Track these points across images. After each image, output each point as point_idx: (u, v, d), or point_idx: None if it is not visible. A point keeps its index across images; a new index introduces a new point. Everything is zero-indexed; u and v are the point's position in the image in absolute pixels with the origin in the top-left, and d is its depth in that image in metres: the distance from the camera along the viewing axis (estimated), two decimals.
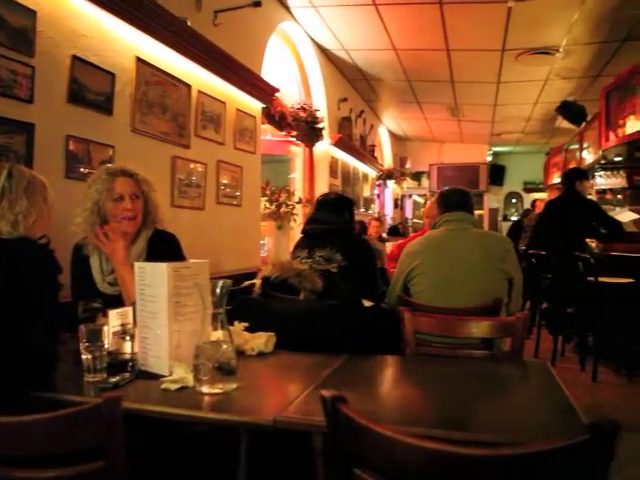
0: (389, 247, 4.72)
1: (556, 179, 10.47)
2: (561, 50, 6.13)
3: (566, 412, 1.15)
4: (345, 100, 7.14)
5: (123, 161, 2.55)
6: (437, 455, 0.76)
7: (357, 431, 0.85)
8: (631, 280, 4.21)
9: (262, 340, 1.74)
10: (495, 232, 2.90)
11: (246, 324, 1.80)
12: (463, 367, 1.62)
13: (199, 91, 3.60)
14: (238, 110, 4.13)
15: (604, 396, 3.84)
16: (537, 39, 5.88)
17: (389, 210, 11.04)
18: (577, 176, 4.98)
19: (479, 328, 1.77)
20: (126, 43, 2.89)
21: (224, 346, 1.37)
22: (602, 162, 7.15)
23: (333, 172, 6.75)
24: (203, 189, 3.68)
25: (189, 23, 3.24)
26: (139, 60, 2.99)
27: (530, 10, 5.10)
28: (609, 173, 7.75)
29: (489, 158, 12.58)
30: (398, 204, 11.84)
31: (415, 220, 12.17)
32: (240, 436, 1.34)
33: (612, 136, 5.91)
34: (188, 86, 3.48)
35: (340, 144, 6.74)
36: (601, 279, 4.20)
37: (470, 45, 6.13)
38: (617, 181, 7.72)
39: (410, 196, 12.74)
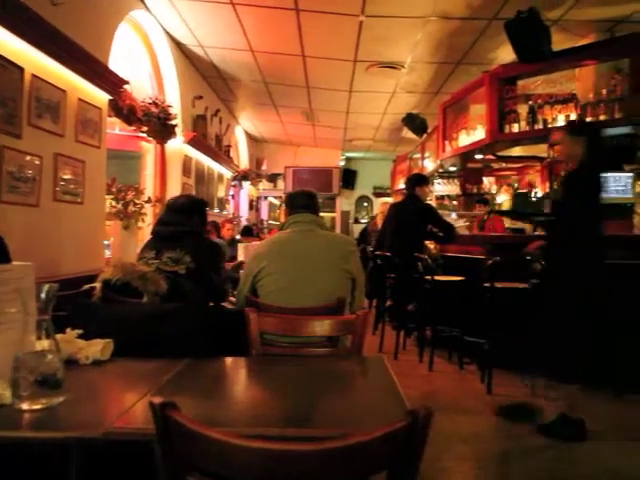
0: (241, 248, 4.69)
1: (401, 184, 11.29)
2: (406, 66, 6.62)
3: (395, 402, 1.22)
4: (200, 98, 6.98)
5: None
6: (266, 454, 0.76)
7: (188, 437, 0.83)
8: (463, 278, 4.68)
9: (98, 347, 1.63)
10: (340, 234, 3.01)
11: (80, 331, 1.66)
12: (307, 365, 1.67)
13: (34, 75, 3.26)
14: (81, 100, 3.83)
15: (439, 384, 4.22)
16: (385, 53, 6.28)
17: (244, 211, 11.02)
18: (417, 181, 5.39)
19: (322, 327, 1.84)
20: None
21: (49, 356, 1.25)
22: (440, 171, 7.87)
23: (186, 171, 6.56)
24: (38, 184, 3.34)
25: None
26: None
27: (379, 26, 5.44)
28: (446, 181, 8.55)
29: (342, 163, 13.15)
30: (254, 205, 11.87)
31: (271, 222, 12.31)
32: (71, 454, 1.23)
33: (448, 147, 6.51)
34: (20, 68, 3.14)
35: (194, 143, 6.57)
36: (437, 278, 4.61)
37: (325, 53, 6.35)
38: (452, 188, 8.56)
39: (266, 198, 12.85)
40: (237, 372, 1.69)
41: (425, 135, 8.51)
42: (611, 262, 4.01)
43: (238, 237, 6.44)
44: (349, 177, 13.97)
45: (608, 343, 3.97)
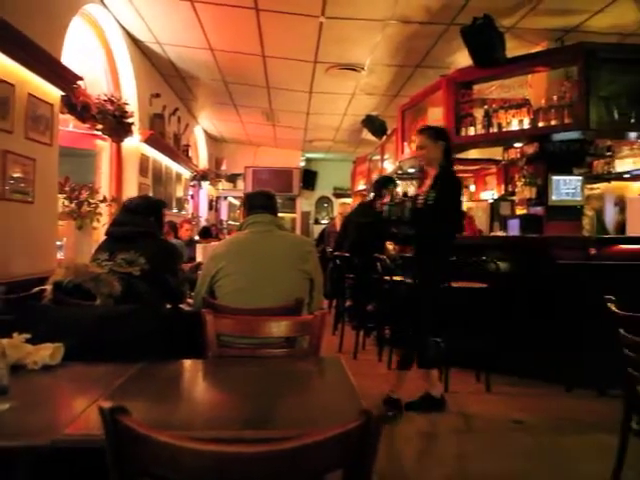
0: (200, 249, 4.63)
1: (361, 186, 11.38)
2: (366, 68, 6.68)
3: (352, 402, 1.23)
4: (158, 96, 6.85)
5: None
6: (219, 457, 0.76)
7: (139, 442, 0.81)
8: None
9: (47, 352, 1.57)
10: (298, 234, 3.03)
11: (28, 335, 1.60)
12: (264, 366, 1.66)
13: None
14: (31, 95, 3.69)
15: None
16: (345, 55, 6.32)
17: (204, 211, 10.88)
18: (384, 183, 5.44)
19: (279, 327, 1.83)
20: None
21: None
22: (399, 172, 7.97)
23: (143, 170, 6.42)
24: None
25: None
26: None
27: (339, 27, 5.47)
28: (405, 182, 8.68)
29: (302, 163, 13.16)
30: (213, 206, 11.74)
31: (230, 222, 12.20)
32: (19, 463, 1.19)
33: (407, 149, 6.60)
34: None
35: (151, 141, 6.44)
36: (396, 278, 4.66)
37: (285, 53, 6.34)
38: (412, 190, 8.67)
39: (225, 198, 12.73)
40: (193, 375, 1.66)
41: (385, 137, 8.60)
42: (561, 262, 4.17)
43: (197, 238, 6.35)
44: (309, 178, 13.99)
45: (555, 341, 4.11)
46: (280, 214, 2.79)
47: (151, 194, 6.50)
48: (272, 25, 5.50)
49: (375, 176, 9.99)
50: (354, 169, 12.11)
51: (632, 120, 4.71)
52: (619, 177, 7.70)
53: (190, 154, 8.97)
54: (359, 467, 0.81)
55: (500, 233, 6.44)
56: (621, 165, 7.06)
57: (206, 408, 1.34)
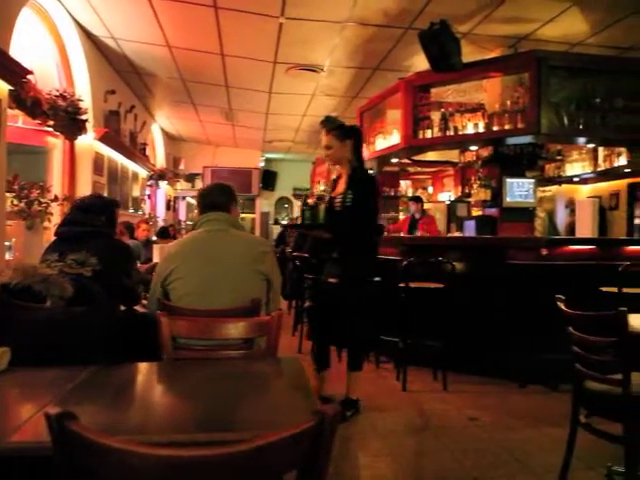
0: (157, 250, 4.53)
1: (321, 186, 11.40)
2: (325, 69, 6.70)
3: (308, 402, 1.23)
4: (113, 92, 6.69)
5: None
6: (172, 461, 0.74)
7: (88, 448, 0.78)
8: (379, 279, 4.79)
9: None
10: (254, 234, 2.94)
11: None
12: (220, 368, 1.63)
13: None
14: None
15: None
16: (305, 56, 6.33)
17: (161, 212, 10.68)
18: None
19: (236, 329, 1.81)
20: None
21: None
22: None
23: (98, 169, 6.25)
24: None
25: None
26: None
27: (299, 28, 5.47)
28: None
29: (262, 164, 13.09)
30: (171, 206, 11.54)
31: (189, 222, 12.02)
32: None
33: (365, 151, 6.65)
34: None
35: (106, 139, 6.28)
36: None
37: (244, 53, 6.30)
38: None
39: (184, 198, 12.53)
40: (147, 378, 1.62)
41: None
42: (514, 263, 4.28)
43: (154, 238, 6.22)
44: (269, 178, 13.94)
45: (510, 340, 4.23)
46: (241, 215, 2.74)
47: (106, 193, 6.34)
48: (231, 24, 5.45)
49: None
50: (314, 170, 12.13)
51: (580, 126, 4.90)
52: (569, 180, 8.00)
53: (147, 153, 8.79)
54: (314, 467, 0.81)
55: (457, 234, 6.59)
56: (571, 169, 7.34)
57: (160, 412, 1.31)
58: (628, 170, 7.08)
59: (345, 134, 3.43)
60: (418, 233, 6.56)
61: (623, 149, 6.28)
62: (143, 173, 8.83)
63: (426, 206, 8.66)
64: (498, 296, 4.35)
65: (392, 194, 9.02)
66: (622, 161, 6.48)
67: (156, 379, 1.62)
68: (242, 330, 1.82)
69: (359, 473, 2.77)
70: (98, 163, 6.27)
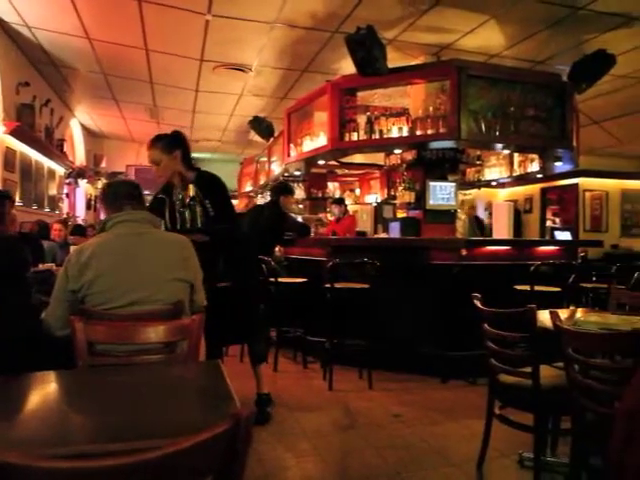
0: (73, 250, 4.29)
1: (248, 187, 11.32)
2: (253, 69, 6.66)
3: (228, 406, 1.21)
4: (27, 85, 6.30)
5: None
6: (75, 473, 0.70)
7: None
8: (305, 279, 4.82)
9: None
10: (174, 234, 2.62)
11: None
12: (138, 374, 1.57)
13: None
14: None
15: (283, 383, 4.28)
16: (232, 55, 6.25)
17: (81, 211, 10.18)
18: (282, 191, 5.36)
19: (155, 333, 1.74)
20: None
21: None
22: (285, 175, 8.03)
23: (9, 165, 5.87)
24: None
25: None
26: None
27: (226, 27, 5.40)
28: (293, 185, 8.76)
29: None
30: (92, 205, 11.02)
31: None
32: None
33: (293, 152, 6.67)
34: None
35: (18, 134, 5.90)
36: (281, 280, 4.69)
37: (170, 49, 6.13)
38: (298, 192, 8.80)
39: None
40: (58, 387, 1.51)
41: (272, 139, 8.63)
42: (436, 263, 4.44)
43: (70, 238, 5.90)
44: None
45: (433, 337, 4.38)
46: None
47: (18, 191, 5.97)
48: (156, 18, 5.30)
49: (262, 178, 9.98)
50: (241, 170, 12.01)
51: (497, 133, 5.16)
52: (488, 184, 8.40)
53: (65, 149, 8.35)
54: (229, 472, 0.79)
55: (383, 235, 6.75)
56: (489, 173, 7.70)
57: (70, 422, 1.24)
58: (540, 176, 7.54)
59: (173, 145, 3.12)
60: (341, 234, 6.69)
61: (535, 156, 6.67)
62: (61, 171, 8.38)
63: (354, 208, 8.82)
64: (421, 295, 4.50)
65: (320, 196, 9.10)
66: (535, 167, 6.88)
67: (68, 388, 1.51)
68: (162, 334, 1.75)
69: (286, 474, 2.76)
70: (9, 159, 5.88)
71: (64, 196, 8.90)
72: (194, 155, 11.74)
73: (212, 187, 3.24)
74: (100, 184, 11.19)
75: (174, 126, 9.76)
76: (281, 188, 5.45)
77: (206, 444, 0.73)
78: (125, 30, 5.66)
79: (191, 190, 3.23)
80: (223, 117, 9.26)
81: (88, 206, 10.64)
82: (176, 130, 3.29)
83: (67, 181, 8.93)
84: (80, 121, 10.02)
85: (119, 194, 2.26)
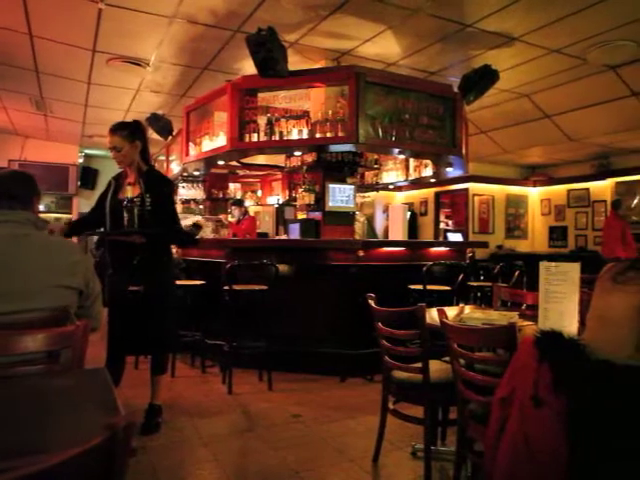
0: None
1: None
2: (151, 64, 6.40)
3: (110, 416, 1.14)
4: None
5: None
6: None
7: None
8: (203, 281, 4.72)
9: None
10: (61, 239, 2.40)
11: None
12: (14, 388, 1.43)
13: None
14: None
15: (181, 389, 4.16)
16: (129, 48, 5.97)
17: None
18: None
19: (34, 342, 1.60)
20: None
21: None
22: (185, 174, 7.82)
23: None
24: None
25: None
26: None
27: (121, 17, 5.14)
28: (191, 185, 8.57)
29: (81, 160, 12.05)
30: None
31: None
32: None
33: (192, 151, 6.50)
34: None
35: None
36: (178, 282, 4.55)
37: (58, 37, 5.73)
38: (198, 193, 8.61)
39: None
40: None
41: (170, 137, 8.36)
42: (334, 264, 4.53)
43: None
44: (89, 176, 12.83)
45: (332, 337, 4.47)
46: (55, 215, 2.31)
47: None
48: (41, 1, 4.92)
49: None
50: None
51: (393, 138, 5.36)
52: (385, 187, 8.71)
53: None
54: None
55: (284, 236, 6.78)
56: (387, 177, 7.99)
57: None
58: (434, 180, 7.94)
59: (135, 134, 3.21)
60: (241, 235, 6.65)
61: (429, 161, 7.01)
62: None
63: (256, 209, 8.78)
64: (320, 296, 4.57)
65: (220, 196, 8.96)
66: (429, 172, 7.23)
67: None
68: (41, 342, 1.61)
69: None
70: None
71: None
72: (87, 152, 11.05)
73: (159, 186, 3.23)
74: None
75: (64, 120, 9.28)
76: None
77: (78, 460, 0.69)
78: (4, 11, 5.20)
79: (138, 187, 3.19)
80: (119, 113, 8.81)
81: None
82: (137, 120, 3.35)
83: None
84: None
85: (2, 187, 2.00)
